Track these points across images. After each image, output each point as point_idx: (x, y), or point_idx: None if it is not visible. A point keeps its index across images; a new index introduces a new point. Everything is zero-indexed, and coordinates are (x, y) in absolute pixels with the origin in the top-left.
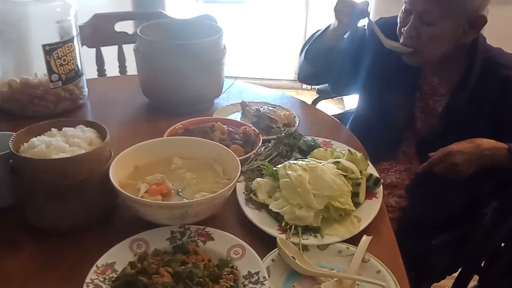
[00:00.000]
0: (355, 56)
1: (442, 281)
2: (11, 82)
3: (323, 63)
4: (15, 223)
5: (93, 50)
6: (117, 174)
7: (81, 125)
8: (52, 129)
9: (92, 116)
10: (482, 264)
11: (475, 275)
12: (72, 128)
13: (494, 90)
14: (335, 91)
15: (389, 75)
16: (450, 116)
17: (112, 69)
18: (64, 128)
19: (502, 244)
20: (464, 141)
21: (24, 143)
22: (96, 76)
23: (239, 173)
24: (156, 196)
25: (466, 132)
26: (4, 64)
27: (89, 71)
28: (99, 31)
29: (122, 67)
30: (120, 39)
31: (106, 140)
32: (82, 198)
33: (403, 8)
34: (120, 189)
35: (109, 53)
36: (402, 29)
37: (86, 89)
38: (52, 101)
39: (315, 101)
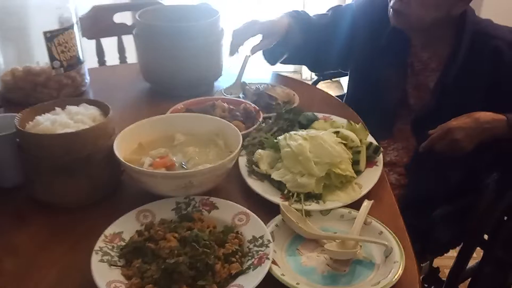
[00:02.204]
0: (341, 36)
1: (445, 255)
2: (14, 70)
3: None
4: (24, 200)
5: (93, 41)
6: (121, 150)
7: (84, 104)
8: (56, 108)
9: None
10: (486, 236)
11: (478, 248)
12: (76, 107)
13: (486, 62)
14: (315, 70)
15: (379, 54)
16: (442, 91)
17: (112, 59)
18: (68, 106)
19: (505, 218)
20: (462, 116)
21: (30, 122)
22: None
23: (240, 144)
24: (160, 169)
25: (461, 106)
26: (6, 53)
27: (90, 63)
28: (98, 22)
29: (122, 58)
30: (120, 30)
31: (109, 116)
32: (87, 173)
33: None
34: (125, 162)
35: (109, 44)
36: None
37: (88, 77)
38: (55, 88)
39: (313, 84)
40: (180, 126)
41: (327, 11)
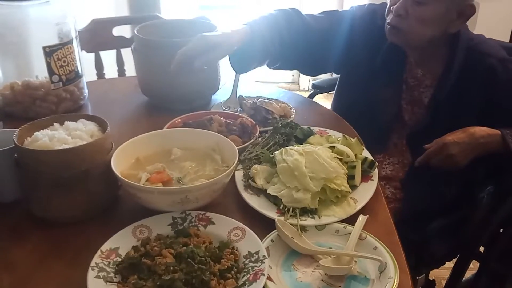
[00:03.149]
0: (339, 43)
1: (441, 266)
2: (13, 84)
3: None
4: (21, 215)
5: (92, 54)
6: (118, 165)
7: (83, 119)
8: (55, 123)
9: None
10: (481, 249)
11: (474, 260)
12: (74, 122)
13: (480, 80)
14: (308, 74)
15: (375, 71)
16: (437, 107)
17: (111, 73)
18: (66, 122)
19: (501, 230)
20: (458, 131)
21: (28, 137)
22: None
23: (237, 159)
24: (157, 184)
25: (455, 122)
26: (6, 67)
27: (89, 75)
28: (97, 36)
29: (121, 71)
30: (118, 43)
31: (107, 131)
32: (85, 189)
33: None
34: (122, 177)
35: (108, 57)
36: (392, 8)
37: (86, 90)
38: (54, 102)
39: (310, 96)
40: (177, 141)
41: (321, 13)
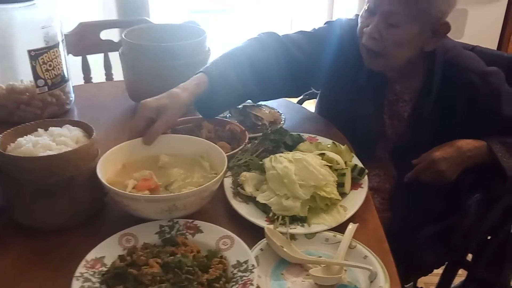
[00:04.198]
0: (324, 66)
1: (429, 275)
2: None
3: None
4: (4, 223)
5: (79, 58)
6: (104, 172)
7: (68, 125)
8: (39, 129)
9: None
10: (470, 257)
11: (462, 269)
12: (59, 128)
13: (461, 95)
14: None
15: (359, 86)
16: (418, 122)
17: (98, 76)
18: (50, 127)
19: (488, 238)
20: (445, 146)
21: (11, 143)
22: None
23: (225, 166)
24: (144, 191)
25: (438, 137)
26: None
27: (76, 79)
28: (84, 39)
29: (109, 75)
30: (106, 47)
31: (92, 137)
32: (70, 196)
33: (365, 7)
34: (108, 184)
35: (95, 61)
36: (364, 29)
37: (72, 95)
38: (39, 106)
39: (300, 102)
40: (165, 147)
41: (298, 34)
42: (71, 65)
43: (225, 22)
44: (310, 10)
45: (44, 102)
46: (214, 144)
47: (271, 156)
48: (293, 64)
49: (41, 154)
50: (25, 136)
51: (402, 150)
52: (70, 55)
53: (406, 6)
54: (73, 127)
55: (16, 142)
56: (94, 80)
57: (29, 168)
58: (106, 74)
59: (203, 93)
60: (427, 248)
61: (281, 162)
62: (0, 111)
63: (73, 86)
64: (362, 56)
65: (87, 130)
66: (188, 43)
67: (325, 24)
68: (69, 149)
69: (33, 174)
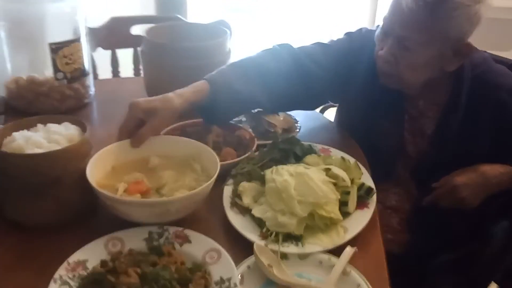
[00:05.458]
0: (337, 83)
1: None
2: (18, 79)
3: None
4: None
5: (109, 52)
6: (95, 175)
7: (67, 122)
8: (38, 124)
9: (96, 115)
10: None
11: None
12: (57, 125)
13: (489, 113)
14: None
15: (375, 100)
16: (442, 141)
17: (127, 71)
18: (48, 124)
19: None
20: (467, 171)
21: (8, 137)
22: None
23: (218, 169)
24: (135, 195)
25: (463, 157)
26: (17, 62)
27: (104, 72)
28: (114, 33)
29: (137, 70)
30: (136, 42)
31: (83, 137)
32: (56, 195)
33: (380, 27)
34: (97, 188)
35: (126, 55)
36: (379, 52)
37: (92, 88)
38: (57, 99)
39: (323, 109)
40: (155, 148)
41: (315, 45)
42: (100, 59)
43: (264, 20)
44: (353, 13)
45: (62, 94)
46: (206, 146)
47: (274, 167)
48: (306, 76)
49: (29, 151)
50: (20, 131)
51: (424, 169)
52: (100, 48)
53: (419, 30)
54: (71, 125)
55: (11, 136)
56: (122, 74)
57: (15, 164)
58: (134, 69)
59: (202, 101)
60: (443, 275)
61: (282, 175)
62: (20, 101)
63: (96, 80)
64: (378, 76)
65: (84, 129)
66: (207, 44)
67: (344, 35)
68: (57, 148)
69: (18, 171)
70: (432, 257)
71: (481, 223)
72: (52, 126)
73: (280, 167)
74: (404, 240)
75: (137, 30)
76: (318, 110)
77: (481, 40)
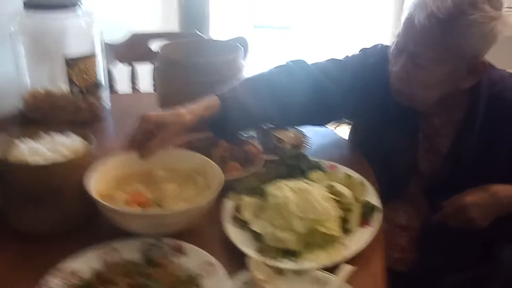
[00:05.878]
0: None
1: None
2: (35, 92)
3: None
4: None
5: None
6: (97, 184)
7: (73, 135)
8: (44, 134)
9: (111, 128)
10: None
11: None
12: (63, 136)
13: (507, 132)
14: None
15: (388, 117)
16: (457, 158)
17: (147, 86)
18: (55, 134)
19: None
20: (479, 190)
21: (13, 145)
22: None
23: (220, 185)
24: (134, 206)
25: (479, 177)
26: (34, 75)
27: (123, 87)
28: (134, 48)
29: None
30: (155, 57)
31: (86, 150)
32: (57, 206)
33: (395, 42)
34: (96, 198)
35: (145, 70)
36: (392, 69)
37: (107, 102)
38: (72, 111)
39: (337, 126)
40: (161, 161)
41: (329, 62)
42: (120, 73)
43: (288, 38)
44: (376, 31)
45: (77, 107)
46: (211, 161)
47: (275, 183)
48: (320, 93)
49: (32, 161)
50: (26, 141)
51: (438, 188)
52: (119, 63)
53: (433, 48)
54: (78, 137)
55: (16, 144)
56: (141, 89)
57: (17, 174)
58: (154, 85)
59: (213, 116)
60: None
61: (283, 191)
62: (36, 112)
63: (113, 94)
64: (392, 92)
65: (90, 142)
66: (217, 60)
67: (360, 51)
68: (59, 160)
69: (20, 181)
70: (440, 278)
71: (491, 244)
72: (58, 137)
73: (283, 183)
74: (412, 259)
75: (156, 45)
76: (332, 127)
77: (500, 58)
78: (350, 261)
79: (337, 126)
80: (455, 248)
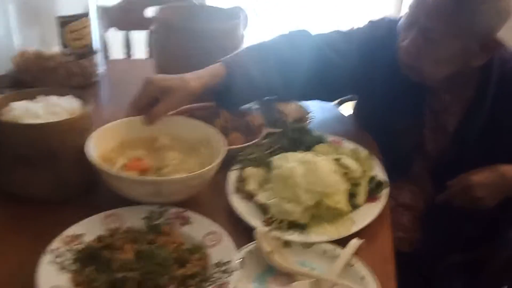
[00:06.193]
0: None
1: None
2: (24, 52)
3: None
4: None
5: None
6: (99, 147)
7: (71, 96)
8: (38, 96)
9: (104, 94)
10: None
11: None
12: (58, 97)
13: None
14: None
15: (395, 93)
16: (465, 137)
17: (141, 53)
18: (50, 96)
19: None
20: (486, 170)
21: (6, 107)
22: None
23: (222, 156)
24: (133, 172)
25: (486, 157)
26: (25, 36)
27: (117, 53)
28: (128, 14)
29: (150, 52)
30: (150, 24)
31: (83, 111)
32: (52, 168)
33: (404, 16)
34: (94, 160)
35: (139, 37)
36: (403, 43)
37: (101, 67)
38: (63, 75)
39: (342, 101)
40: (166, 128)
41: (334, 33)
42: (113, 39)
43: (287, 9)
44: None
45: (68, 71)
46: (216, 131)
47: (281, 154)
48: (326, 66)
49: (26, 122)
50: (20, 102)
51: (444, 167)
52: (113, 29)
53: (445, 22)
54: (75, 99)
55: (9, 105)
56: (137, 56)
57: (9, 134)
58: (149, 52)
59: (219, 85)
60: (453, 277)
61: (289, 162)
62: (25, 75)
63: (107, 60)
64: (400, 67)
65: (89, 103)
66: (217, 27)
67: (367, 23)
68: (53, 120)
69: (12, 141)
70: (443, 258)
71: (495, 226)
72: (54, 99)
73: (289, 154)
74: (415, 239)
75: (152, 12)
76: (335, 103)
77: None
78: (358, 235)
79: (341, 103)
80: (458, 229)
